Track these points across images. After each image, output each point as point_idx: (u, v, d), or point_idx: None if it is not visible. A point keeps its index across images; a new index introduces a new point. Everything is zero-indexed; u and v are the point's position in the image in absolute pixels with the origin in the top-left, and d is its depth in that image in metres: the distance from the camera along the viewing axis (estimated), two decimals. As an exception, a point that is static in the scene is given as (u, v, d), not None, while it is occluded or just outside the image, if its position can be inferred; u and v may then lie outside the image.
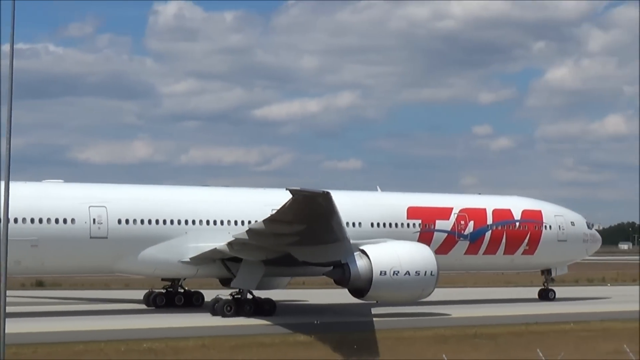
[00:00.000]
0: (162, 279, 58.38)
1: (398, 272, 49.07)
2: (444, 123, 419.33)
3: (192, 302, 57.97)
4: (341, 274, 49.63)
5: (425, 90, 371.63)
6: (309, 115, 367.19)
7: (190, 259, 53.06)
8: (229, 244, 50.98)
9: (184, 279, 57.82)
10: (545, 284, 67.05)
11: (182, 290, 58.55)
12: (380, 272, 48.88)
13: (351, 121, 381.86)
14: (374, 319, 49.75)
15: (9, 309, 28.00)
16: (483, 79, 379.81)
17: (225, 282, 55.67)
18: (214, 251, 52.20)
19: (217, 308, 50.79)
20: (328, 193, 43.01)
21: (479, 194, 70.04)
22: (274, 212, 46.70)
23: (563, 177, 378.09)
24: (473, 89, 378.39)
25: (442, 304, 56.80)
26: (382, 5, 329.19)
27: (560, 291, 68.32)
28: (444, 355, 25.91)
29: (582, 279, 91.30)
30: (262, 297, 52.51)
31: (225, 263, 53.07)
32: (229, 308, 50.64)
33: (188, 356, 35.14)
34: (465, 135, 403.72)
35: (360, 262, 49.21)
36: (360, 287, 49.47)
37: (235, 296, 51.69)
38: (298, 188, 42.20)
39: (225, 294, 52.23)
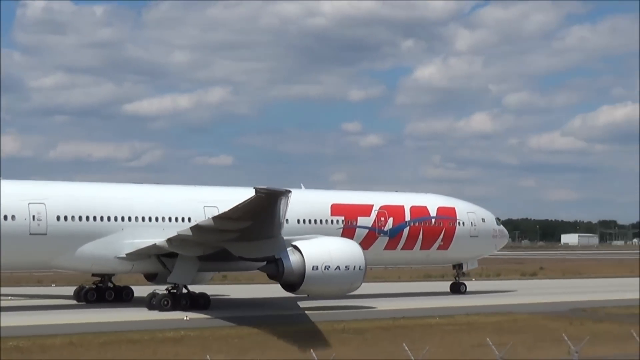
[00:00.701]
0: (94, 275, 58.96)
1: (329, 267, 50.96)
2: (315, 120, 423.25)
3: (122, 297, 58.92)
4: (275, 269, 51.28)
5: (296, 86, 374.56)
6: (180, 111, 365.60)
7: (127, 254, 54.03)
8: (168, 240, 51.87)
9: (114, 275, 58.84)
10: (457, 278, 69.87)
11: (112, 286, 59.39)
12: (313, 267, 50.71)
13: (222, 117, 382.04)
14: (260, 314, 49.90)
15: None
16: (353, 76, 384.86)
17: (151, 278, 57.80)
18: (153, 247, 53.16)
19: (154, 303, 51.73)
20: (290, 191, 45.11)
21: (396, 191, 71.85)
22: (230, 209, 47.09)
23: (430, 174, 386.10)
24: (343, 86, 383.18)
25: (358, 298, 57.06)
26: (253, 1, 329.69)
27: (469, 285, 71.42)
28: (312, 351, 26.14)
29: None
30: (197, 291, 53.67)
31: (160, 259, 54.15)
32: (165, 302, 51.62)
33: (55, 355, 34.57)
34: (335, 131, 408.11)
35: (293, 258, 50.96)
36: (293, 281, 51.18)
37: (171, 291, 52.53)
38: (265, 187, 43.44)
39: (159, 289, 53.14)
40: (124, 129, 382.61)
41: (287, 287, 52.33)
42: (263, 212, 46.93)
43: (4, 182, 54.48)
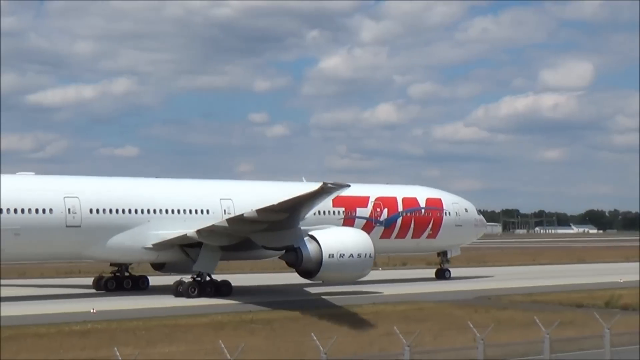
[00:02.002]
0: (112, 264, 63.41)
1: (344, 254, 55.43)
2: (221, 110, 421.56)
3: (138, 285, 63.03)
4: (294, 257, 55.87)
5: (202, 77, 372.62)
6: (84, 102, 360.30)
7: (153, 245, 58.12)
8: (198, 231, 56.19)
9: (131, 264, 63.58)
10: (442, 265, 75.38)
11: (128, 275, 63.55)
12: (329, 255, 55.18)
13: (127, 108, 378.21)
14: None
15: None
16: (259, 66, 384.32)
17: (158, 267, 62.70)
18: (183, 237, 57.29)
19: (181, 290, 55.93)
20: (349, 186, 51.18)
21: (387, 184, 76.35)
22: (283, 201, 51.57)
23: (336, 164, 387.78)
24: (249, 76, 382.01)
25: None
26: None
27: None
28: (220, 342, 26.09)
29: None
30: (219, 279, 58.15)
31: (183, 249, 58.43)
32: (192, 290, 55.90)
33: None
34: (241, 122, 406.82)
35: (310, 246, 55.51)
36: (310, 269, 55.74)
37: (196, 279, 56.78)
38: (333, 182, 48.18)
39: (184, 277, 57.57)
40: (27, 119, 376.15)
41: (304, 274, 56.75)
42: (304, 204, 52.67)
43: (39, 177, 59.63)
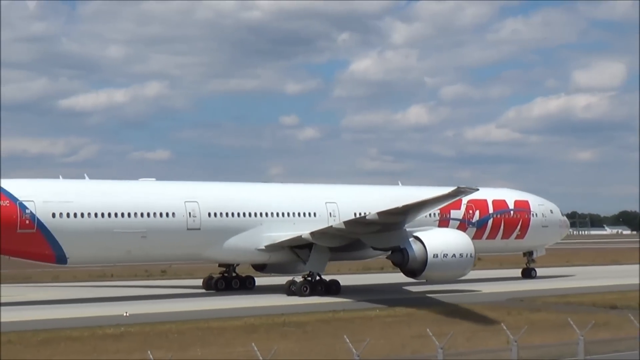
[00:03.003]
0: (220, 265, 66.49)
1: (447, 254, 58.11)
2: (251, 113, 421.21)
3: (245, 285, 66.09)
4: (400, 257, 58.55)
5: (232, 80, 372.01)
6: (116, 106, 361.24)
7: (265, 246, 61.15)
8: (312, 233, 59.13)
9: (238, 265, 66.35)
10: (528, 264, 78.25)
11: (235, 275, 66.57)
12: (434, 255, 57.79)
13: (158, 111, 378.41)
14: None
15: None
16: (289, 69, 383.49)
17: (260, 268, 66.29)
18: (298, 239, 60.12)
19: (294, 289, 58.68)
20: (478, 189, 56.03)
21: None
22: (410, 203, 55.11)
23: (367, 166, 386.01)
24: (279, 79, 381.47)
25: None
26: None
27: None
28: (253, 345, 26.14)
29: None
30: (328, 279, 60.87)
31: (294, 250, 61.17)
32: (305, 289, 58.61)
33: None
34: (272, 125, 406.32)
35: (415, 247, 58.19)
36: (415, 268, 58.39)
37: (307, 278, 59.40)
38: (468, 187, 52.62)
39: (296, 277, 60.66)
40: (59, 124, 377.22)
41: (409, 273, 59.35)
42: (427, 207, 58.15)
43: (160, 182, 63.51)
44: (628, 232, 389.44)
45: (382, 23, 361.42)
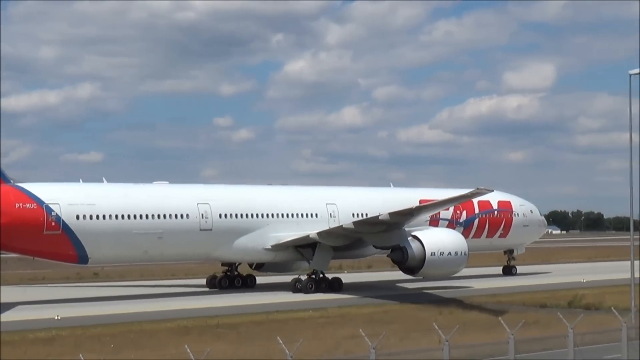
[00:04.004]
0: (223, 264, 69.04)
1: (443, 252, 61.83)
2: (186, 114, 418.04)
3: (247, 283, 69.01)
4: (400, 255, 62.20)
5: (167, 81, 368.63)
6: (49, 107, 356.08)
7: (272, 246, 64.22)
8: (319, 233, 62.70)
9: (239, 264, 69.13)
10: (508, 262, 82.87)
11: (237, 274, 69.26)
12: (431, 253, 61.49)
13: (91, 113, 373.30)
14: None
15: None
16: (224, 70, 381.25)
17: (257, 267, 69.24)
18: (306, 237, 63.23)
19: (299, 287, 61.76)
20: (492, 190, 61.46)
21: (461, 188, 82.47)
22: (431, 203, 62.63)
23: (302, 168, 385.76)
24: (214, 80, 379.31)
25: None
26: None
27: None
28: (186, 347, 26.09)
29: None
30: (330, 276, 64.28)
31: (298, 249, 64.25)
32: (310, 286, 61.61)
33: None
34: (206, 126, 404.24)
35: (414, 245, 61.85)
36: (414, 266, 62.09)
37: (311, 276, 62.39)
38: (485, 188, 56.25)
39: (301, 275, 63.76)
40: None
41: (407, 270, 63.04)
42: (435, 208, 64.12)
43: (180, 186, 67.38)
44: (558, 231, 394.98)
45: (316, 24, 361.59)
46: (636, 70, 43.07)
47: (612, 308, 39.02)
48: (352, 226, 61.31)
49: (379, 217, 59.58)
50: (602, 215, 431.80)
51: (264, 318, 46.01)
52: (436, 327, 30.42)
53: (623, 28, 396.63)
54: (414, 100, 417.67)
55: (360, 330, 30.37)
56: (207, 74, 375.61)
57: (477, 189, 55.11)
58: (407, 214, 60.00)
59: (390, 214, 58.81)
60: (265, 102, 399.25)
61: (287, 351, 26.00)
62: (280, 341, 26.73)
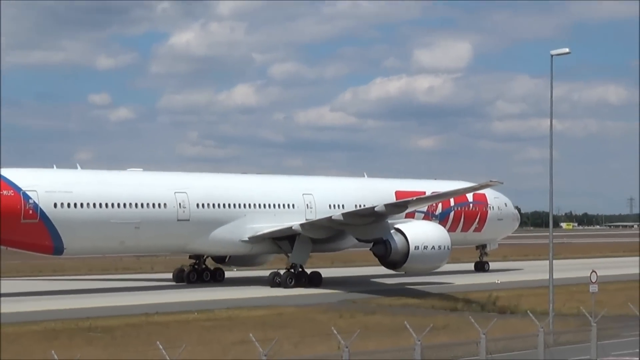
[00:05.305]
0: (191, 257, 72.05)
1: (427, 247, 64.45)
2: (56, 91, 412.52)
3: (216, 277, 71.83)
4: (383, 249, 64.68)
5: (35, 53, 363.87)
6: None
7: (249, 238, 66.97)
8: (301, 224, 65.87)
9: (207, 257, 71.74)
10: (481, 257, 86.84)
11: (205, 267, 72.10)
12: (415, 247, 64.01)
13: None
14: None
15: None
16: (100, 41, 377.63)
17: (219, 260, 72.81)
18: (288, 229, 66.18)
19: (278, 281, 64.99)
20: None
21: (435, 179, 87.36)
22: (436, 194, 69.02)
23: (187, 152, 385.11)
24: (89, 52, 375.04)
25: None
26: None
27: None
28: (53, 352, 25.52)
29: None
30: (309, 271, 67.44)
31: (276, 242, 67.34)
32: (290, 280, 64.90)
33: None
34: (80, 104, 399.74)
35: (397, 239, 64.32)
36: (397, 260, 64.72)
37: (290, 270, 65.63)
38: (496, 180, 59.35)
39: (280, 269, 68.04)
40: None
41: (390, 265, 65.67)
42: (434, 199, 70.17)
43: (155, 173, 69.99)
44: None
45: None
46: (559, 51, 43.47)
47: (529, 312, 39.63)
48: (342, 218, 64.01)
49: (375, 209, 62.33)
50: (520, 209, 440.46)
51: (143, 320, 45.48)
52: (335, 331, 30.35)
53: (546, 4, 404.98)
54: (315, 79, 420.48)
55: (251, 334, 30.13)
56: (81, 45, 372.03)
57: (490, 181, 58.58)
58: (402, 206, 64.36)
59: (386, 205, 62.07)
60: (148, 78, 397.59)
61: (167, 357, 25.64)
62: (160, 346, 26.35)
